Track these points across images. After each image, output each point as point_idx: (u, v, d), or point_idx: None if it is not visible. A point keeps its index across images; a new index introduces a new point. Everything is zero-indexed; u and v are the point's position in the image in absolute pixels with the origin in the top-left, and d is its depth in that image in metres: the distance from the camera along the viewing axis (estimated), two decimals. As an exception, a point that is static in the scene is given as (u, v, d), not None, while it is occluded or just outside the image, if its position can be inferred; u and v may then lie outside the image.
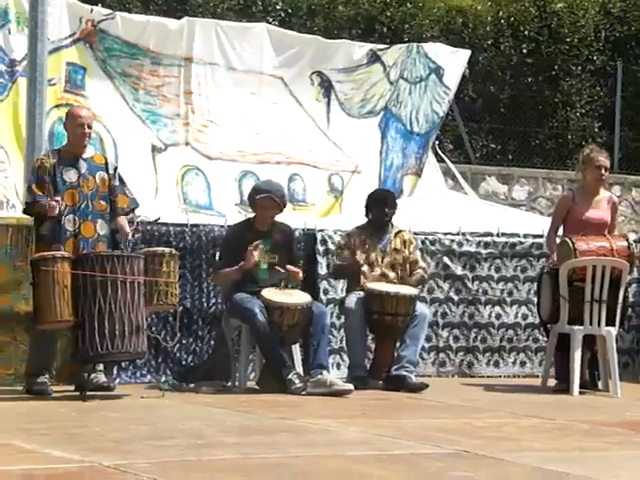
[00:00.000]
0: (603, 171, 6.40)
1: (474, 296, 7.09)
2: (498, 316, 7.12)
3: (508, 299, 7.14)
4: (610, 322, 6.29)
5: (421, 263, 6.48)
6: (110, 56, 7.15)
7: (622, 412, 5.78)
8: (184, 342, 6.29)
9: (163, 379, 6.11)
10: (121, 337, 5.36)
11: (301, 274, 6.08)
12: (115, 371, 6.05)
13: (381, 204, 6.37)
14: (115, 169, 5.78)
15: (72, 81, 7.03)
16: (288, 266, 5.99)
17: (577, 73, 10.31)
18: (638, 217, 9.86)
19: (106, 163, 5.76)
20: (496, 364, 7.11)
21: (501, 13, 10.23)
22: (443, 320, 7.02)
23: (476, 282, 7.08)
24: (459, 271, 7.05)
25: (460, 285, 7.06)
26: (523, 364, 7.15)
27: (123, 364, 6.04)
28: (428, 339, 6.78)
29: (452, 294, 7.04)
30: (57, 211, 5.46)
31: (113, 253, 5.50)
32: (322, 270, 6.67)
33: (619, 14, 10.59)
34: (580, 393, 6.21)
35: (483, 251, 7.11)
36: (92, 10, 7.21)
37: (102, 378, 5.67)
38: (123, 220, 5.68)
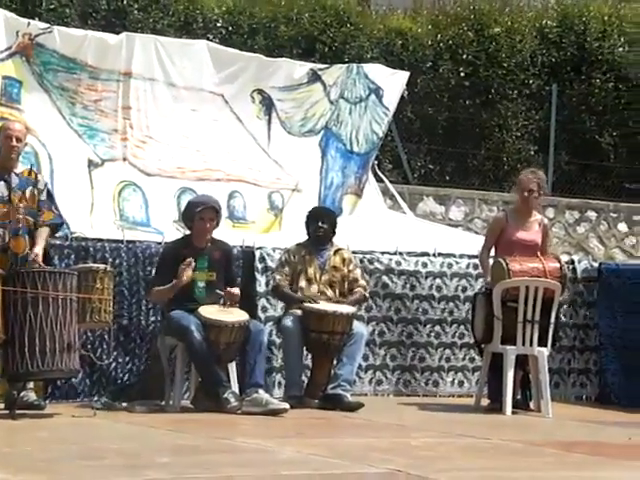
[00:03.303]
0: (527, 193, 6.50)
1: (413, 315, 7.12)
2: (437, 335, 7.16)
3: (449, 318, 7.18)
4: (542, 342, 6.38)
5: (361, 281, 6.50)
6: (47, 70, 7.05)
7: (554, 432, 5.86)
8: (120, 360, 6.21)
9: (96, 398, 6.02)
10: (52, 355, 5.27)
11: (239, 296, 6.04)
12: (48, 389, 5.93)
13: (314, 220, 6.42)
14: (45, 185, 5.68)
15: (8, 95, 6.92)
16: (228, 288, 5.96)
17: (513, 97, 10.48)
18: (571, 239, 10.03)
19: (36, 179, 5.66)
20: (435, 384, 7.14)
21: (440, 36, 10.36)
22: (380, 339, 7.04)
23: (416, 301, 7.12)
24: (399, 290, 7.09)
25: (399, 304, 7.10)
26: (461, 384, 7.20)
27: (58, 382, 5.94)
28: (365, 358, 6.79)
29: (391, 313, 7.06)
30: None
31: (45, 269, 5.41)
32: (261, 288, 6.65)
33: (555, 39, 10.80)
34: (512, 413, 6.28)
35: (422, 270, 7.15)
36: (29, 24, 7.10)
37: (32, 396, 5.56)
38: (41, 232, 5.50)
